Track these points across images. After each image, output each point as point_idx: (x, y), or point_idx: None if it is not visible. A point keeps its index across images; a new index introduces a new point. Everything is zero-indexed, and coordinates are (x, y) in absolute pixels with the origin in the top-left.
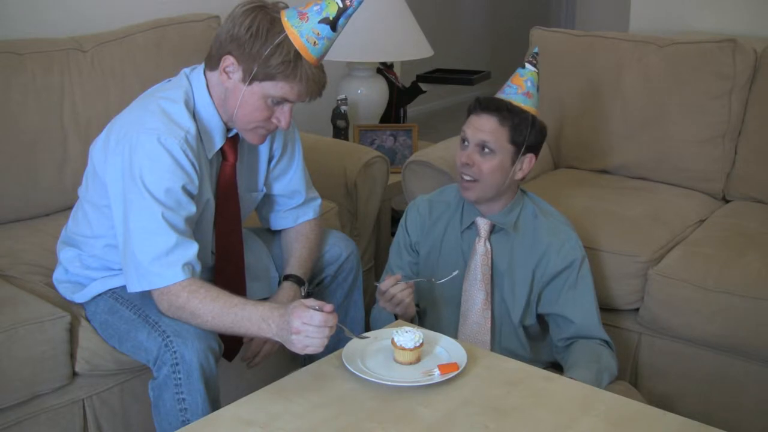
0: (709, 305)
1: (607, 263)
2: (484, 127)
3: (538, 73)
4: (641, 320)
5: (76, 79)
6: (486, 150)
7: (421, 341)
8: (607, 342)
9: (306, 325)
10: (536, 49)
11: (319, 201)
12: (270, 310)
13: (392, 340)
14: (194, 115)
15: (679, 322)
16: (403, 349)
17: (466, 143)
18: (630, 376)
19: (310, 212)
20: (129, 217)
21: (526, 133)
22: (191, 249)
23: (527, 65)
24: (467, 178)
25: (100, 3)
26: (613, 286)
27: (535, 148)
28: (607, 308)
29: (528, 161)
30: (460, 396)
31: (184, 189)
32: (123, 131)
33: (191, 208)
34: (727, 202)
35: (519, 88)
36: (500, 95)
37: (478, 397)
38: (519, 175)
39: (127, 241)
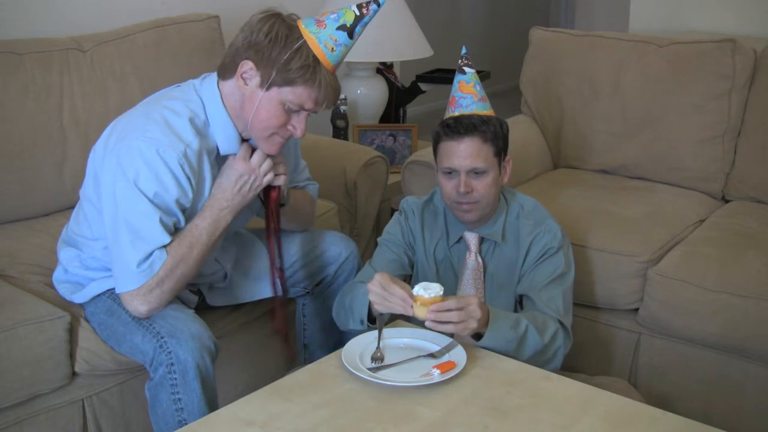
0: (709, 305)
1: (607, 263)
2: (470, 153)
3: (475, 72)
4: (641, 320)
5: (75, 79)
6: (478, 172)
7: (441, 293)
8: (563, 325)
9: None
10: (464, 50)
11: (317, 186)
12: (209, 201)
13: (421, 297)
14: (198, 131)
15: (679, 322)
16: (421, 299)
17: (453, 174)
18: (630, 376)
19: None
20: (119, 217)
21: (501, 138)
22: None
23: (466, 69)
24: (467, 204)
25: (100, 3)
26: (613, 286)
27: (508, 148)
28: (607, 308)
29: (509, 163)
30: (460, 396)
31: (177, 202)
32: (124, 133)
33: (180, 219)
34: (727, 202)
35: (474, 96)
36: (461, 110)
37: (478, 397)
38: (505, 180)
39: (116, 242)
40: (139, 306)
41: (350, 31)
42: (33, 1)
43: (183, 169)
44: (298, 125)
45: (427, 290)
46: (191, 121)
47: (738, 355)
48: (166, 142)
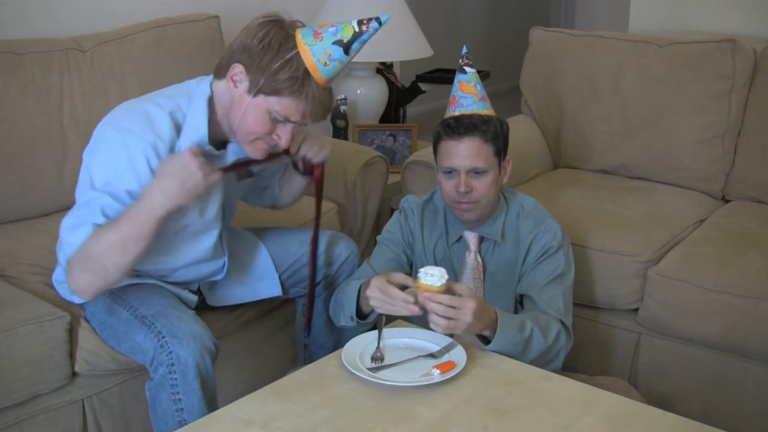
0: (708, 305)
1: (607, 263)
2: (470, 152)
3: (476, 72)
4: (641, 320)
5: (75, 79)
6: (478, 172)
7: (443, 281)
8: (564, 325)
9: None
10: (465, 49)
11: None
12: (147, 187)
13: (419, 280)
14: (177, 124)
15: (679, 322)
16: (430, 288)
17: (453, 173)
18: (630, 376)
19: None
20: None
21: (501, 138)
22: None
23: (467, 69)
24: (467, 203)
25: (100, 3)
26: (613, 286)
27: (508, 148)
28: (607, 308)
29: (509, 163)
30: (460, 396)
31: (129, 193)
32: (104, 119)
33: None
34: (727, 202)
35: (474, 96)
36: (462, 110)
37: (478, 397)
38: (505, 180)
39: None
40: (70, 282)
41: (346, 47)
42: (33, 1)
43: (148, 162)
44: (282, 135)
45: (427, 275)
46: (171, 114)
47: (738, 355)
48: (136, 132)
